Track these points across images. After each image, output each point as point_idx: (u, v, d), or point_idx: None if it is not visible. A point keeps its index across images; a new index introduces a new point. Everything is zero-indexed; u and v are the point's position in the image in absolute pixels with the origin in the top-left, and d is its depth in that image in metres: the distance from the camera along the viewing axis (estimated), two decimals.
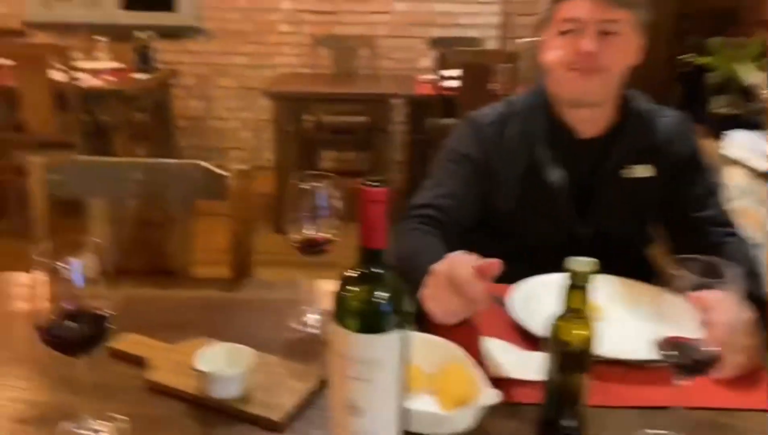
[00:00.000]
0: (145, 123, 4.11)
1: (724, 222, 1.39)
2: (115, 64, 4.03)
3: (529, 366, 1.03)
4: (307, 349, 1.12)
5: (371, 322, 0.73)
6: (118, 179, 1.35)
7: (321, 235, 1.13)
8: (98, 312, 0.84)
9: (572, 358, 0.87)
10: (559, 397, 0.89)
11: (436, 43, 4.32)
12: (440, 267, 1.02)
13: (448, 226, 1.31)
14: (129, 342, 1.10)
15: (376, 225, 0.73)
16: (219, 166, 1.35)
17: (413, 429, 0.84)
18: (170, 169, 1.35)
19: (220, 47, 4.82)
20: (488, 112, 1.40)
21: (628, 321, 1.16)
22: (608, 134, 1.36)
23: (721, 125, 3.04)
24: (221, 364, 1.00)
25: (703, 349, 0.84)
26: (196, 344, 1.00)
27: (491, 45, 4.66)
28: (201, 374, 0.95)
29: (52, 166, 1.35)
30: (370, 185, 0.72)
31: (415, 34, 4.69)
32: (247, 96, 4.80)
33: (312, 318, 1.19)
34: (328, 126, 4.07)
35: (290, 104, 3.70)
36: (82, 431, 0.89)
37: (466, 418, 0.89)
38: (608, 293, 1.21)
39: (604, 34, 1.26)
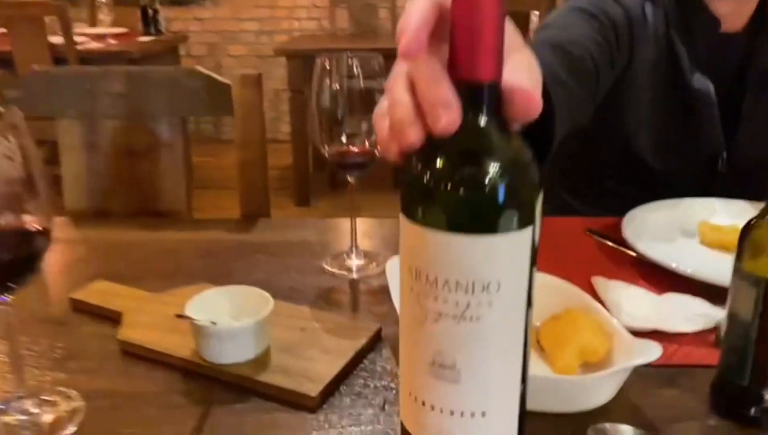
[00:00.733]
0: None
1: None
2: (119, 29, 3.74)
3: (679, 314, 0.71)
4: (348, 299, 0.80)
5: (481, 212, 0.41)
6: (92, 93, 1.04)
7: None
8: (27, 225, 0.53)
9: None
10: (756, 354, 0.56)
11: None
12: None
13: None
14: (98, 291, 0.79)
15: (485, 38, 0.41)
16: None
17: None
18: (158, 77, 1.03)
19: (229, 13, 4.51)
20: None
21: None
22: (753, 28, 1.02)
23: None
24: (225, 314, 0.68)
25: None
26: (191, 292, 0.69)
27: None
28: (195, 328, 0.64)
29: (9, 81, 1.03)
30: None
31: None
32: (261, 65, 4.49)
33: (352, 259, 0.88)
34: None
35: (307, 65, 3.37)
36: (10, 416, 0.58)
37: (608, 385, 0.57)
38: None
39: None
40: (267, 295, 0.67)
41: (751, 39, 1.02)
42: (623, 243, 0.90)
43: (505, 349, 0.45)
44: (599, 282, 0.78)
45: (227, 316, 0.68)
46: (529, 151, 0.43)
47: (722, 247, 0.84)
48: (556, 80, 0.84)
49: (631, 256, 0.87)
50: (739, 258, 0.56)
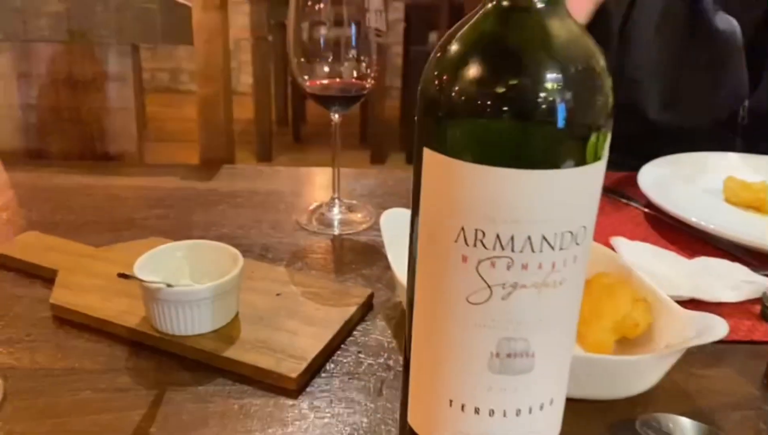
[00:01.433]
0: None
1: None
2: None
3: (719, 281, 0.61)
4: (331, 259, 0.68)
5: (584, 135, 0.30)
6: (24, 12, 0.87)
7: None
8: None
9: None
10: None
11: None
12: None
13: None
14: (28, 245, 0.66)
15: None
16: None
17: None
18: None
19: None
20: None
21: None
22: None
23: None
24: (184, 274, 0.56)
25: None
26: (142, 247, 0.56)
27: None
28: (146, 291, 0.51)
29: None
30: None
31: None
32: None
33: (333, 213, 0.76)
34: None
35: (273, 8, 3.16)
36: None
37: (659, 368, 0.47)
38: None
39: None
40: (235, 251, 0.55)
41: None
42: (638, 201, 0.80)
43: (576, 312, 0.34)
44: (620, 243, 0.68)
45: (186, 278, 0.56)
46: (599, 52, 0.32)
47: (754, 207, 0.75)
48: None
49: (651, 216, 0.77)
50: None
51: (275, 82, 3.59)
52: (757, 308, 0.59)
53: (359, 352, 0.53)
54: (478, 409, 0.34)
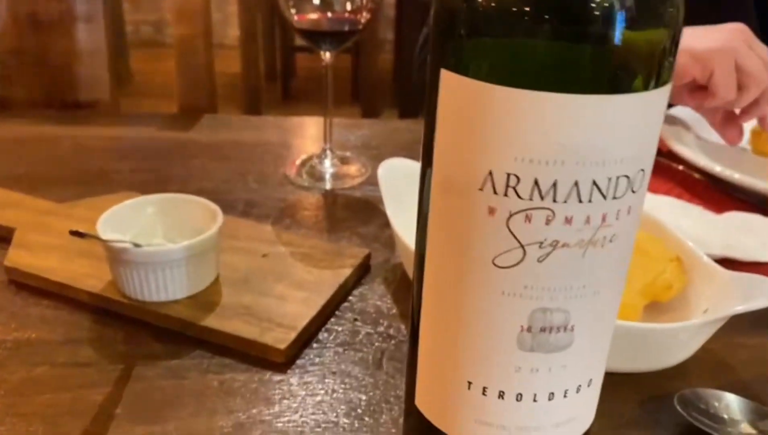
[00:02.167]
0: None
1: None
2: None
3: (751, 238, 0.56)
4: (322, 216, 0.62)
5: (588, 60, 0.23)
6: None
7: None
8: None
9: None
10: None
11: None
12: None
13: None
14: None
15: None
16: None
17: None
18: None
19: None
20: None
21: None
22: None
23: None
24: (156, 233, 0.49)
25: None
26: (111, 202, 0.49)
27: None
28: (110, 252, 0.45)
29: None
30: None
31: None
32: None
33: (325, 166, 0.69)
34: None
35: None
36: None
37: (699, 336, 0.41)
38: None
39: None
40: (214, 207, 0.48)
41: None
42: (659, 152, 0.74)
43: (624, 277, 0.28)
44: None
45: (159, 237, 0.49)
46: None
47: None
48: None
49: (671, 168, 0.71)
50: None
51: (263, 35, 3.47)
52: None
53: (356, 319, 0.47)
54: (503, 393, 0.28)
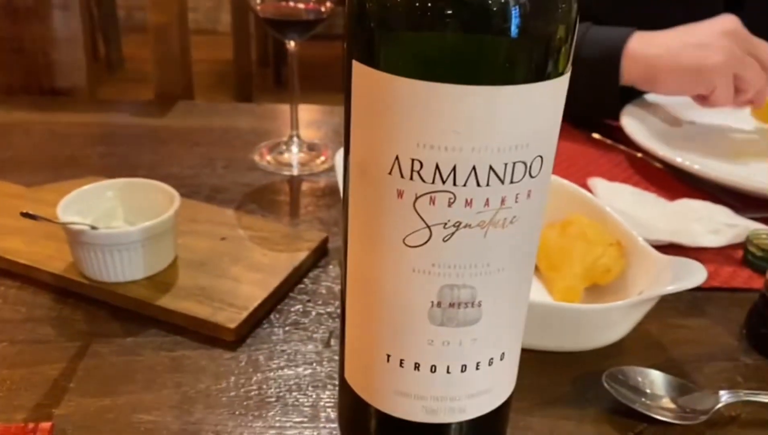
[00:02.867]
0: None
1: None
2: None
3: (699, 225, 0.57)
4: (286, 201, 0.63)
5: (485, 53, 0.25)
6: None
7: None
8: None
9: None
10: None
11: None
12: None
13: None
14: None
15: None
16: None
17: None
18: None
19: None
20: None
21: None
22: None
23: None
24: (117, 216, 0.51)
25: None
26: (78, 186, 0.51)
27: None
28: (69, 234, 0.46)
29: None
30: None
31: None
32: None
33: (292, 152, 0.71)
34: None
35: None
36: None
37: (631, 317, 0.43)
38: None
39: None
40: (172, 190, 0.50)
41: None
42: (621, 140, 0.76)
43: (531, 256, 0.30)
44: (598, 184, 0.64)
45: (120, 220, 0.51)
46: None
47: None
48: None
49: (633, 157, 0.73)
50: None
51: (256, 21, 3.46)
52: (739, 254, 0.55)
53: (308, 300, 0.49)
54: (418, 364, 0.30)
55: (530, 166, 0.26)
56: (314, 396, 0.40)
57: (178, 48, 0.85)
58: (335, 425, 0.38)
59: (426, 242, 0.27)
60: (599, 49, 0.73)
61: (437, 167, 0.25)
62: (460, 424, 0.32)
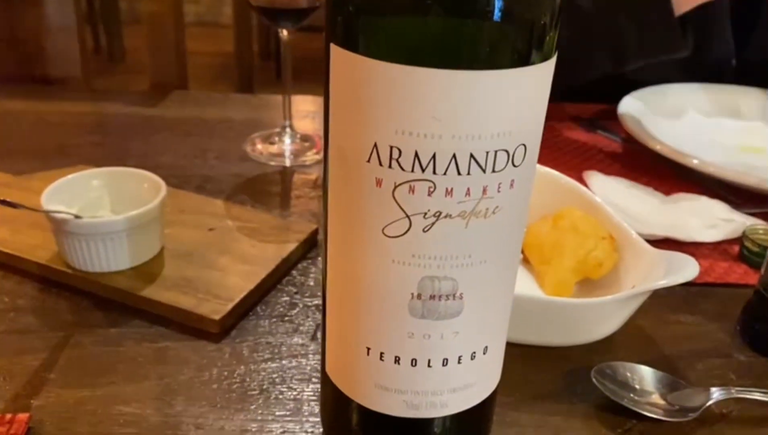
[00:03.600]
0: None
1: None
2: None
3: (695, 219, 0.57)
4: (277, 192, 0.63)
5: (465, 36, 0.24)
6: None
7: None
8: None
9: None
10: None
11: None
12: None
13: None
14: None
15: None
16: None
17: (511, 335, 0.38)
18: None
19: None
20: None
21: None
22: None
23: None
24: (104, 206, 0.50)
25: None
26: (66, 174, 0.50)
27: None
28: (54, 223, 0.46)
29: None
30: None
31: None
32: None
33: (285, 142, 0.70)
34: None
35: None
36: None
37: (621, 312, 0.42)
38: None
39: None
40: (158, 179, 0.49)
41: None
42: (618, 134, 0.75)
43: (515, 248, 0.29)
44: (594, 178, 0.63)
45: (107, 209, 0.50)
46: None
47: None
48: None
49: (630, 150, 0.72)
50: None
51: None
52: (736, 249, 0.55)
53: (295, 292, 0.48)
54: (399, 358, 0.29)
55: (513, 155, 0.25)
56: (298, 389, 0.39)
57: (173, 38, 0.84)
58: (318, 419, 0.37)
59: (405, 232, 0.26)
60: None
61: (416, 155, 0.25)
62: (443, 418, 0.31)
